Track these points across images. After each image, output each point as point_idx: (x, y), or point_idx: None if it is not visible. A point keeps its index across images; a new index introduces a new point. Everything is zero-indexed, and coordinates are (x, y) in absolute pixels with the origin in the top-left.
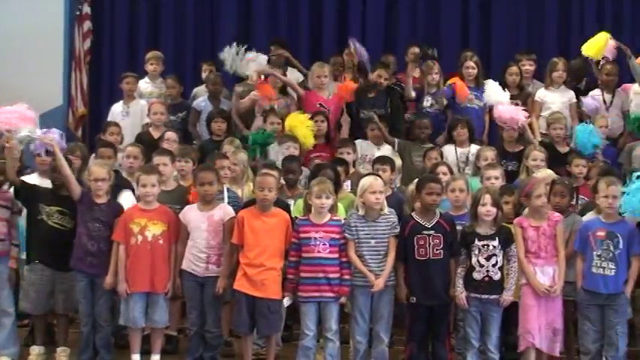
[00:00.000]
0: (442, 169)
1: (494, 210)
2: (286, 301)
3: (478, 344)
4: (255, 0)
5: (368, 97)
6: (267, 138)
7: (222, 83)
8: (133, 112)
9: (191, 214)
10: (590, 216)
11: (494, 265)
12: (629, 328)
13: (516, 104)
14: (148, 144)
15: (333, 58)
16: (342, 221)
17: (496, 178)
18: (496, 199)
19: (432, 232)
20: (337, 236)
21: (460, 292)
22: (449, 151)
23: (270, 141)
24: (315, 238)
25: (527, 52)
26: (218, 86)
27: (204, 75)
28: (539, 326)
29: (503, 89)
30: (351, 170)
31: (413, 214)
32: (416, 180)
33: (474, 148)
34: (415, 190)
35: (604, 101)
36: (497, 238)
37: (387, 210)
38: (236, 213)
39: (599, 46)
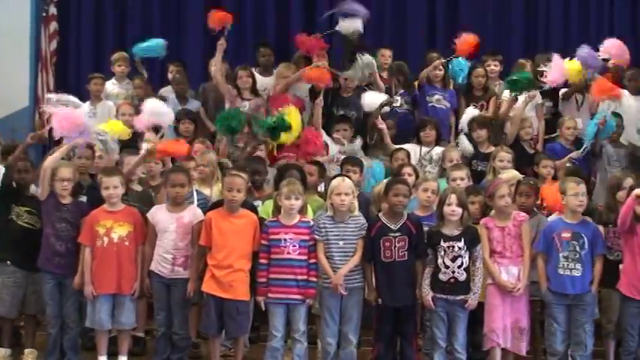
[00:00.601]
0: (407, 170)
1: (459, 210)
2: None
3: (445, 344)
4: (223, 1)
5: (342, 96)
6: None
7: (188, 83)
8: (100, 114)
9: (160, 215)
10: (552, 217)
11: (459, 267)
12: (595, 327)
13: (481, 106)
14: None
15: (296, 56)
16: (311, 222)
17: (462, 179)
18: (462, 200)
19: (398, 234)
20: (306, 237)
21: (426, 294)
22: (413, 151)
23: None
24: (285, 240)
25: (492, 53)
26: (184, 86)
27: (170, 76)
28: (505, 326)
29: (470, 91)
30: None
31: (380, 215)
32: (383, 181)
33: (438, 149)
34: (382, 192)
35: (576, 101)
36: (462, 239)
37: (356, 212)
38: (205, 214)
39: (576, 71)
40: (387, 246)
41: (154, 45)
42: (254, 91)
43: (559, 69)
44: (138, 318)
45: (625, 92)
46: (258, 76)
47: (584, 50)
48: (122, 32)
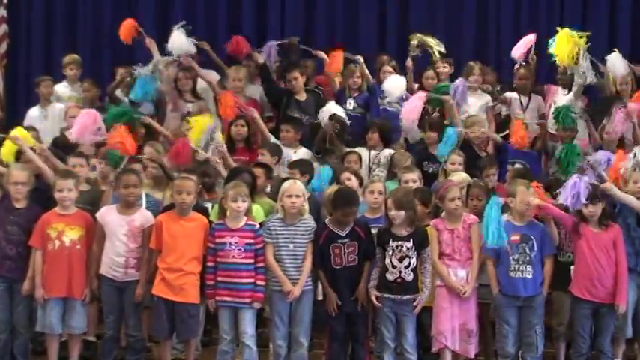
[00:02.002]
0: (345, 175)
1: (401, 213)
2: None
3: (394, 344)
4: (174, 2)
5: (297, 99)
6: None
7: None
8: (50, 116)
9: (110, 217)
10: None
11: (407, 267)
12: (544, 329)
13: (433, 109)
14: (65, 148)
15: (245, 61)
16: (257, 226)
17: (414, 181)
18: (403, 203)
19: (346, 239)
20: (252, 241)
21: (371, 290)
22: (362, 152)
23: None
24: (230, 243)
25: (442, 56)
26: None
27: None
28: (453, 327)
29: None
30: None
31: (327, 222)
32: (332, 187)
33: (387, 151)
34: (331, 207)
35: (520, 104)
36: (411, 240)
37: (306, 215)
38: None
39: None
40: (336, 252)
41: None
42: (195, 93)
43: (525, 44)
44: (88, 322)
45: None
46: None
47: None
48: (73, 34)
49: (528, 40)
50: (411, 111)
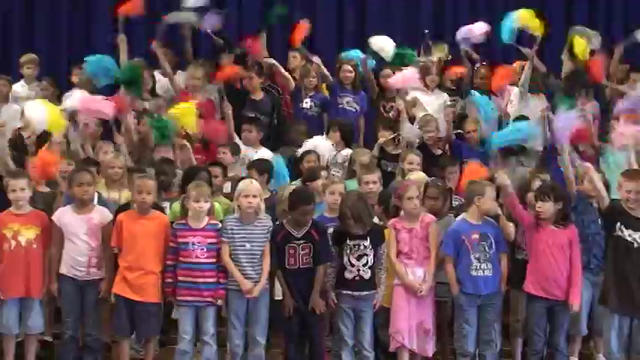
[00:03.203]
0: (323, 173)
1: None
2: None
3: (352, 342)
4: None
5: (253, 99)
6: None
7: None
8: (5, 116)
9: (67, 218)
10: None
11: (364, 265)
12: (502, 327)
13: (390, 107)
14: (21, 148)
15: (202, 61)
16: (220, 225)
17: (374, 182)
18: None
19: (302, 241)
20: (214, 240)
21: (330, 293)
22: (324, 152)
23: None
24: (193, 243)
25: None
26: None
27: (74, 79)
28: (410, 327)
29: (381, 91)
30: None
31: (284, 222)
32: (288, 186)
33: (345, 151)
34: (288, 208)
35: None
36: (368, 238)
37: (263, 215)
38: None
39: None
40: (291, 253)
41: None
42: (153, 91)
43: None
44: (45, 322)
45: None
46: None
47: None
48: (29, 34)
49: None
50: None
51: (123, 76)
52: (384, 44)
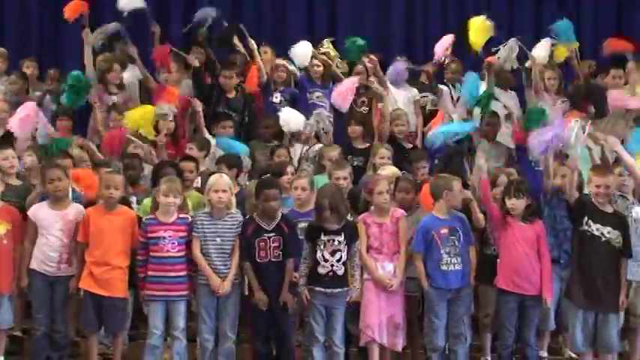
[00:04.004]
0: (290, 169)
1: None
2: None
3: (323, 338)
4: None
5: (227, 97)
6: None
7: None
8: None
9: (42, 213)
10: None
11: (338, 260)
12: (472, 321)
13: (362, 102)
14: None
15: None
16: (190, 219)
17: (344, 178)
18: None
19: (272, 234)
20: (185, 234)
21: (302, 288)
22: (296, 148)
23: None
24: (164, 237)
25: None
26: (58, 83)
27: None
28: (380, 321)
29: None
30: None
31: (254, 215)
32: (254, 181)
33: (317, 146)
34: (255, 198)
35: (452, 97)
36: (342, 234)
37: (233, 209)
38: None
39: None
40: (261, 246)
41: None
42: (120, 85)
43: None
44: (14, 317)
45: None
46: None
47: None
48: None
49: (447, 40)
50: (343, 94)
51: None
52: (301, 51)
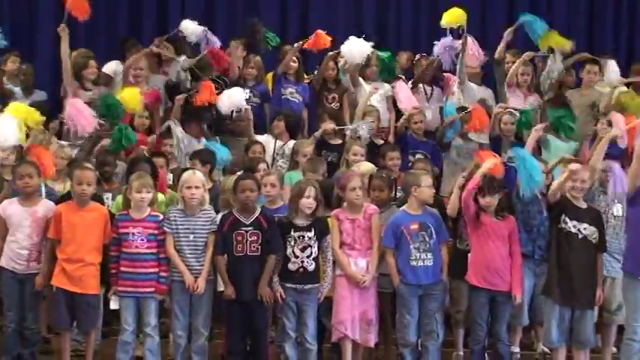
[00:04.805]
0: (262, 165)
1: (314, 203)
2: (113, 304)
3: (295, 334)
4: None
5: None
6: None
7: (35, 75)
8: None
9: (12, 209)
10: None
11: (308, 256)
12: (444, 317)
13: (333, 98)
14: None
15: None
16: (161, 217)
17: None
18: (319, 193)
19: (250, 228)
20: (155, 232)
21: (276, 285)
22: (268, 143)
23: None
24: (134, 234)
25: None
26: (30, 77)
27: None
28: (353, 317)
29: (324, 82)
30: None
31: (233, 210)
32: (230, 176)
33: (291, 142)
34: (232, 190)
35: (425, 93)
36: (312, 229)
37: (207, 205)
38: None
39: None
40: (239, 240)
41: None
42: (96, 81)
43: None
44: None
45: (473, 86)
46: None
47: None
48: None
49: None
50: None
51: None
52: None
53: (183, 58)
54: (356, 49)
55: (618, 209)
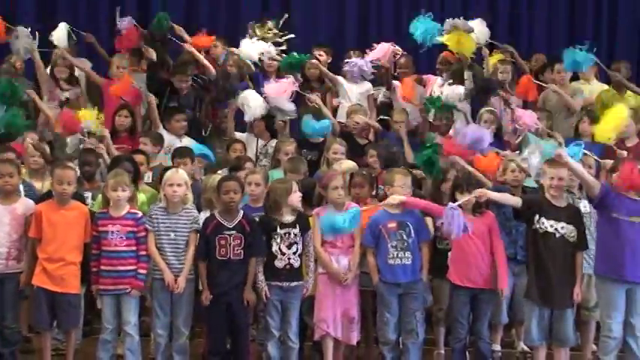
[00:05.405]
0: (249, 165)
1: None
2: (100, 302)
3: (279, 334)
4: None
5: (179, 94)
6: None
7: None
8: None
9: None
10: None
11: (294, 253)
12: (426, 315)
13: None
14: None
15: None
16: (139, 214)
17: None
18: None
19: (233, 232)
20: (134, 229)
21: (261, 282)
22: (251, 142)
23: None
24: (112, 232)
25: (319, 45)
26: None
27: None
28: (335, 315)
29: (306, 82)
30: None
31: (215, 213)
32: (212, 175)
33: (274, 141)
34: (216, 190)
35: None
36: (297, 226)
37: (189, 204)
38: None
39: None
40: (222, 244)
41: None
42: (71, 80)
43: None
44: None
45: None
46: None
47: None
48: None
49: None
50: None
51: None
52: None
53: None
54: (250, 47)
55: (585, 205)
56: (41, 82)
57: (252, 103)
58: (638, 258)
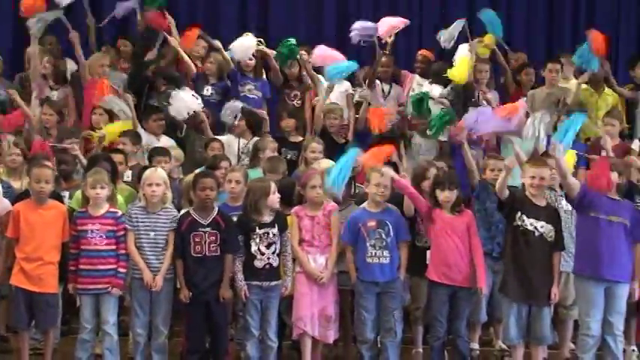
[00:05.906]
0: (224, 163)
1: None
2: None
3: (258, 333)
4: None
5: (159, 92)
6: None
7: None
8: None
9: None
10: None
11: (273, 252)
12: (404, 314)
13: (295, 96)
14: None
15: (106, 47)
16: (119, 213)
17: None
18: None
19: (208, 228)
20: (114, 228)
21: (241, 282)
22: (231, 143)
23: None
24: (92, 231)
25: (300, 44)
26: None
27: None
28: (312, 314)
29: (286, 79)
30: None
31: (190, 210)
32: (192, 174)
33: (255, 140)
34: (192, 186)
35: (382, 91)
36: (275, 225)
37: (169, 203)
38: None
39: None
40: (197, 241)
41: None
42: (58, 79)
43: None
44: None
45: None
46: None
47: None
48: None
49: (397, 23)
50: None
51: None
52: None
53: None
54: (242, 46)
55: (567, 203)
56: (32, 77)
57: (177, 102)
58: (616, 257)
